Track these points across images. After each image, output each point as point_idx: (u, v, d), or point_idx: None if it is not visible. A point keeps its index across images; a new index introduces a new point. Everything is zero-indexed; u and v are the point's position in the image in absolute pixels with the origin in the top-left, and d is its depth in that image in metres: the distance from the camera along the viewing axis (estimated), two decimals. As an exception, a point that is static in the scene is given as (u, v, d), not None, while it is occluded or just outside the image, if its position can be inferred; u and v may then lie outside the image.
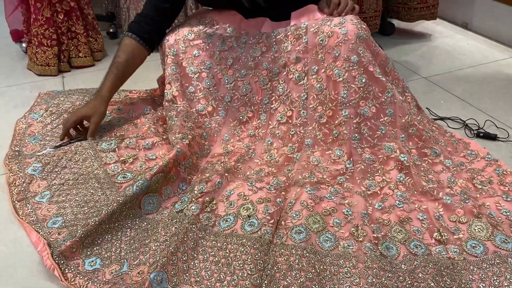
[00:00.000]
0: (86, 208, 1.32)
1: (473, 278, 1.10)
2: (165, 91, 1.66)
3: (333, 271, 1.11)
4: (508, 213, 1.29)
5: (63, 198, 1.37)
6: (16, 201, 1.37)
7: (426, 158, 1.50)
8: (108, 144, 1.55)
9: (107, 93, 1.63)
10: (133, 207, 1.28)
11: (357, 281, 1.08)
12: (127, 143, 1.55)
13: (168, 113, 1.61)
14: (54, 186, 1.41)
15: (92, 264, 1.13)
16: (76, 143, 1.57)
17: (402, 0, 2.48)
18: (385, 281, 1.08)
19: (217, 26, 1.68)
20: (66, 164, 1.49)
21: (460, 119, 1.79)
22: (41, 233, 1.24)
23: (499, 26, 2.52)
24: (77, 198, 1.36)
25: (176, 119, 1.56)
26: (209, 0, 1.75)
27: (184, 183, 1.40)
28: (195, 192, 1.33)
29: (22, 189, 1.41)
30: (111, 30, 2.61)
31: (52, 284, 1.12)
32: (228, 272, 1.10)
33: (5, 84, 2.14)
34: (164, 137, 1.59)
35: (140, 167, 1.48)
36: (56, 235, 1.22)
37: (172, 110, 1.61)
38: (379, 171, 1.44)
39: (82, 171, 1.46)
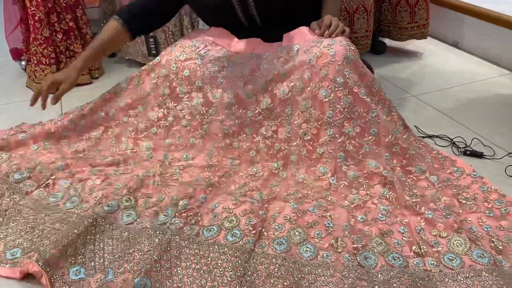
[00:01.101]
0: (37, 231, 1.31)
1: (448, 289, 1.13)
2: (153, 112, 1.72)
3: (310, 279, 1.14)
4: (489, 229, 1.32)
5: (4, 234, 1.32)
6: None
7: (411, 176, 1.53)
8: (20, 174, 1.53)
9: (80, 62, 1.69)
10: (110, 222, 1.33)
11: (331, 288, 1.12)
12: (39, 169, 1.56)
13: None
14: None
15: (76, 273, 1.17)
16: None
17: (392, 20, 2.54)
18: (361, 290, 1.11)
19: (209, 48, 1.72)
20: None
21: (448, 137, 1.82)
22: (7, 266, 1.22)
23: (488, 45, 2.57)
24: (20, 227, 1.33)
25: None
26: (208, 15, 1.79)
27: (161, 194, 1.45)
28: (179, 207, 1.38)
29: None
30: (109, 49, 2.66)
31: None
32: (209, 279, 1.14)
33: (4, 101, 2.20)
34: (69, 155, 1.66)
35: (65, 183, 1.50)
36: (27, 260, 1.20)
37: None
38: (364, 186, 1.48)
39: (5, 206, 1.41)
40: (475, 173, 1.57)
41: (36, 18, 2.10)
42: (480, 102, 2.14)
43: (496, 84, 2.30)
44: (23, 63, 2.41)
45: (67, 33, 2.23)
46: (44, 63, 2.18)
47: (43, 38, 2.15)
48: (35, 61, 2.18)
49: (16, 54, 2.45)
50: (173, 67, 1.69)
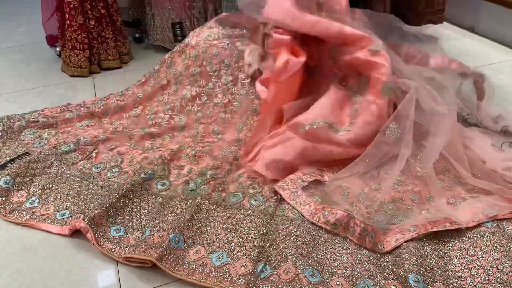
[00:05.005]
0: (82, 196, 1.44)
1: (453, 249, 1.23)
2: (185, 91, 1.84)
3: (327, 238, 1.26)
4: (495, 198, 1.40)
5: (53, 197, 1.44)
6: (7, 214, 1.40)
7: (423, 149, 1.62)
8: (67, 146, 1.65)
9: None
10: (146, 189, 1.46)
11: (347, 246, 1.23)
12: (84, 141, 1.69)
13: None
14: (37, 192, 1.46)
15: (117, 231, 1.30)
16: (37, 151, 1.62)
17: (409, 6, 2.60)
18: (373, 246, 1.22)
19: (237, 29, 1.84)
20: (35, 172, 1.53)
21: (460, 115, 1.88)
22: (57, 224, 1.35)
23: (504, 29, 2.63)
24: (67, 193, 1.45)
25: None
26: None
27: (191, 166, 1.57)
28: (207, 177, 1.50)
29: (5, 201, 1.43)
30: (136, 35, 2.77)
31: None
32: (235, 236, 1.26)
33: (43, 84, 2.33)
34: (111, 130, 1.78)
35: (107, 157, 1.63)
36: (75, 220, 1.33)
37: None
38: None
39: (54, 174, 1.54)
40: (485, 148, 1.65)
41: (71, 6, 2.22)
42: (494, 84, 2.20)
43: (510, 67, 2.36)
44: (58, 49, 2.53)
45: (99, 20, 2.35)
46: (78, 48, 2.31)
47: (77, 25, 2.26)
48: (70, 47, 2.31)
49: (52, 41, 2.58)
50: (202, 48, 1.81)
